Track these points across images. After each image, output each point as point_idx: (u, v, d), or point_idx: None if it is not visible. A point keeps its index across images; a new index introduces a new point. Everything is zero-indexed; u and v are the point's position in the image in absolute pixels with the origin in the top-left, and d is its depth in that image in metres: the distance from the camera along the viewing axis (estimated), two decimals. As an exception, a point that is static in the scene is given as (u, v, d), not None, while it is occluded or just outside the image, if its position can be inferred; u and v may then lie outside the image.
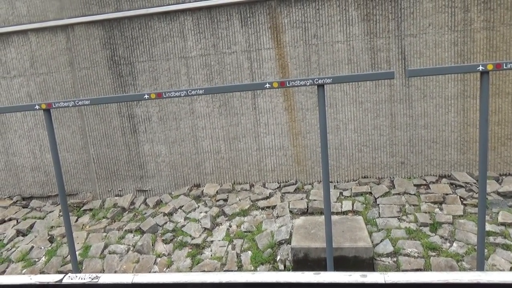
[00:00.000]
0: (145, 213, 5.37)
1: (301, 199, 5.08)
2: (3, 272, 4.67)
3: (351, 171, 5.56)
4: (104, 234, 5.00)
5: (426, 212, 4.43)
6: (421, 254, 3.80)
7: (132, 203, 5.83)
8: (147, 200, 5.81)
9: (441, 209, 4.48)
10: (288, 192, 5.35)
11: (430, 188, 4.99)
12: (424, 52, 5.18)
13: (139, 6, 5.65)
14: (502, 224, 4.08)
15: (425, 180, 5.23)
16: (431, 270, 3.62)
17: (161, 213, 5.24)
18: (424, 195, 4.78)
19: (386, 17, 5.19)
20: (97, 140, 6.08)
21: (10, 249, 5.06)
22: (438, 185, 5.05)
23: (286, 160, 5.69)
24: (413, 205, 4.62)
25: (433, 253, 3.81)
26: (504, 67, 2.87)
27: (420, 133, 5.34)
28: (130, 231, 4.95)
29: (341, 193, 5.14)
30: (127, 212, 5.61)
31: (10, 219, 5.75)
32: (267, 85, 3.48)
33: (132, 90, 5.87)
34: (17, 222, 5.66)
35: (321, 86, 3.32)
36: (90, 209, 5.83)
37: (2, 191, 6.55)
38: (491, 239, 3.86)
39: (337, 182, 5.58)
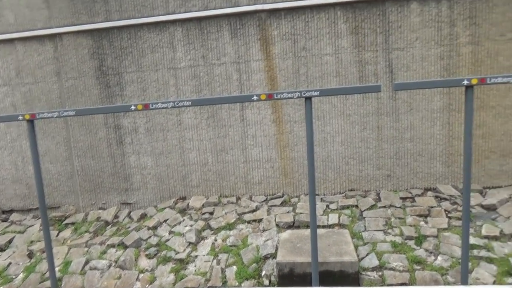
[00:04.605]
0: (129, 227, 5.28)
1: (288, 212, 5.04)
2: (-21, 288, 4.53)
3: (338, 183, 5.55)
4: (86, 249, 4.90)
5: (411, 225, 4.42)
6: (406, 268, 3.78)
7: (116, 216, 5.73)
8: (131, 213, 5.72)
9: (426, 222, 4.47)
10: (275, 205, 5.31)
11: (415, 201, 4.99)
12: (411, 65, 5.23)
13: (129, 16, 5.64)
14: (486, 237, 4.09)
15: (410, 193, 5.24)
16: (416, 285, 3.59)
17: (145, 226, 5.15)
18: (409, 208, 4.78)
19: (374, 31, 5.25)
20: (81, 152, 5.99)
21: (-12, 264, 4.91)
22: (424, 198, 5.05)
23: (273, 173, 5.66)
24: (399, 218, 4.61)
25: (418, 267, 3.79)
26: (488, 82, 2.91)
27: (406, 146, 5.36)
28: (113, 245, 4.85)
29: (327, 206, 5.11)
30: (110, 225, 5.51)
31: (-12, 233, 5.62)
32: (255, 97, 3.47)
33: (120, 100, 5.82)
34: (-5, 237, 5.52)
35: (308, 99, 3.32)
36: (72, 223, 5.71)
37: (-17, 202, 6.40)
38: (475, 252, 3.86)
39: (324, 194, 5.55)
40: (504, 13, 4.98)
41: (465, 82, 2.96)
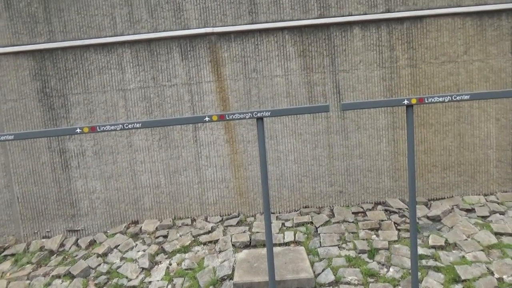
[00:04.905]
0: (76, 255, 4.96)
1: (244, 231, 5.01)
2: None
3: (293, 201, 5.62)
4: (28, 281, 4.52)
5: (364, 239, 4.56)
6: (360, 281, 3.87)
7: (62, 245, 5.37)
8: (79, 241, 5.39)
9: (377, 235, 4.64)
10: (231, 225, 5.25)
11: (367, 215, 5.17)
12: (357, 86, 5.51)
13: (74, 37, 5.46)
14: (433, 247, 4.31)
15: (362, 207, 5.43)
16: (371, 297, 3.68)
17: (94, 254, 4.87)
18: (361, 222, 4.94)
19: (321, 54, 5.49)
20: (22, 178, 5.61)
21: None
22: (374, 212, 5.25)
23: (228, 193, 5.62)
24: (352, 232, 4.74)
25: (372, 280, 3.89)
26: (426, 101, 3.13)
27: (356, 162, 5.58)
28: (58, 276, 4.52)
29: (283, 224, 5.14)
30: (55, 255, 5.14)
31: None
32: (207, 119, 3.46)
33: (65, 123, 5.56)
34: None
35: (260, 119, 3.37)
36: (12, 254, 5.27)
37: None
38: (424, 262, 4.04)
39: (279, 213, 5.60)
40: (437, 38, 5.43)
41: (406, 102, 3.16)
